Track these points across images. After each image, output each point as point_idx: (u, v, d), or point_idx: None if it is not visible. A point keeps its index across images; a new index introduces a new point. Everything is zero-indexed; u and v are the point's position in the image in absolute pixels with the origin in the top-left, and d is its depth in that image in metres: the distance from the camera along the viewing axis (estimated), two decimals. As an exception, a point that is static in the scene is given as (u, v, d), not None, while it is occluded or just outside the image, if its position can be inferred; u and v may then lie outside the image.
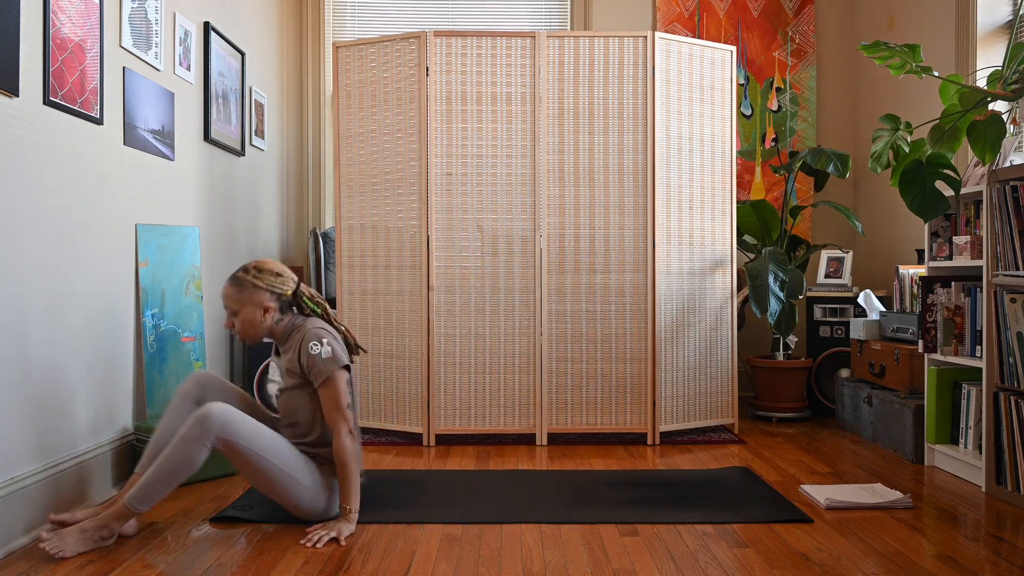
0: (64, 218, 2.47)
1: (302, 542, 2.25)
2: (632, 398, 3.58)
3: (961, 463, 2.98)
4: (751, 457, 3.32)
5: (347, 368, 2.43)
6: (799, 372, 4.09)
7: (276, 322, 2.46)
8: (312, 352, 2.38)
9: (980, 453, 2.92)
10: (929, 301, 3.12)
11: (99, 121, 2.65)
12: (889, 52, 2.88)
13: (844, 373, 4.09)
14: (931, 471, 3.08)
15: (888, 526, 2.41)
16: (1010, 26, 3.58)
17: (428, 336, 3.54)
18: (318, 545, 2.23)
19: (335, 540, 2.27)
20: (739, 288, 4.26)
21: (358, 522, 2.43)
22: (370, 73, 3.67)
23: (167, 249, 3.12)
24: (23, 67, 2.27)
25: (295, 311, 2.53)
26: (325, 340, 2.40)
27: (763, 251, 3.83)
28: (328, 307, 2.57)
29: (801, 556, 2.16)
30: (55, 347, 2.42)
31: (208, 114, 3.56)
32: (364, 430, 3.79)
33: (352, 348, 2.58)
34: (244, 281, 2.43)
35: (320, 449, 2.46)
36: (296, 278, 2.52)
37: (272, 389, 2.51)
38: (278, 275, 2.47)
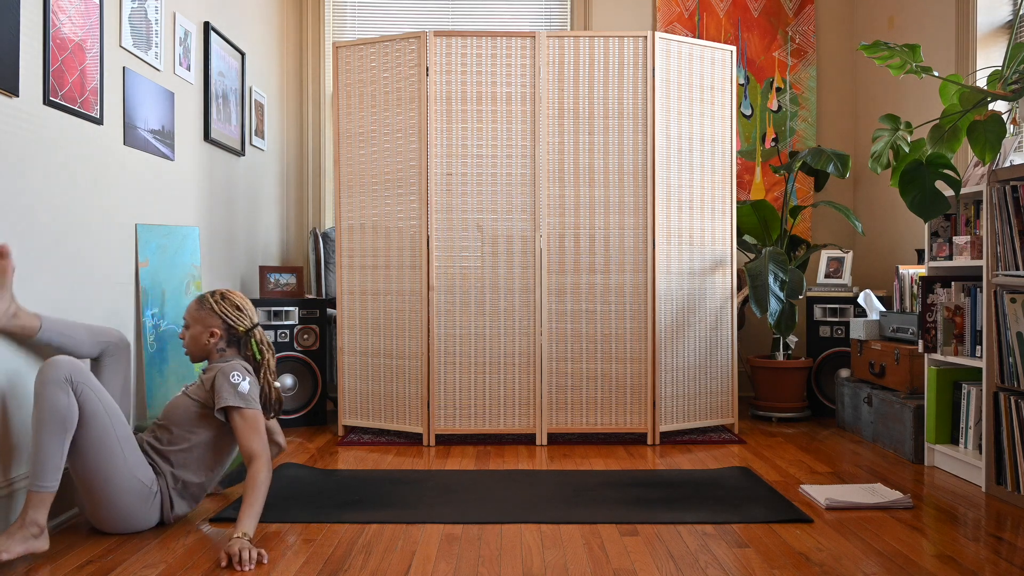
0: (64, 218, 2.47)
1: (223, 565, 2.07)
2: (632, 398, 3.58)
3: (961, 463, 2.98)
4: (751, 457, 3.32)
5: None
6: (799, 372, 4.09)
7: (219, 350, 2.52)
8: (232, 380, 2.38)
9: (980, 453, 2.92)
10: (929, 301, 3.12)
11: (99, 121, 2.65)
12: (889, 52, 2.88)
13: (844, 373, 4.09)
14: (931, 471, 3.08)
15: (888, 526, 2.41)
16: (1010, 26, 3.58)
17: (428, 336, 3.54)
18: (248, 567, 2.06)
19: (232, 560, 2.08)
20: (739, 288, 4.26)
21: (356, 522, 2.44)
22: (370, 73, 3.67)
23: (167, 249, 3.12)
24: (23, 67, 2.27)
25: (240, 349, 2.56)
26: (248, 379, 2.42)
27: (763, 251, 3.83)
28: (272, 361, 2.57)
29: (801, 556, 2.16)
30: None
31: (208, 114, 3.56)
32: (364, 430, 3.80)
33: (269, 407, 2.56)
34: (206, 302, 2.53)
35: (164, 463, 2.36)
36: (256, 321, 2.57)
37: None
38: (238, 308, 2.54)
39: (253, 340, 2.55)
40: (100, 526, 2.30)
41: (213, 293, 2.55)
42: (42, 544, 2.09)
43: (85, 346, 2.41)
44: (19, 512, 2.27)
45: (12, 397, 2.24)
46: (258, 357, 2.54)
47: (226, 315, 2.51)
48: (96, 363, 2.47)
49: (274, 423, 2.74)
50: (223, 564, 2.07)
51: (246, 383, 2.40)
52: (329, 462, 3.22)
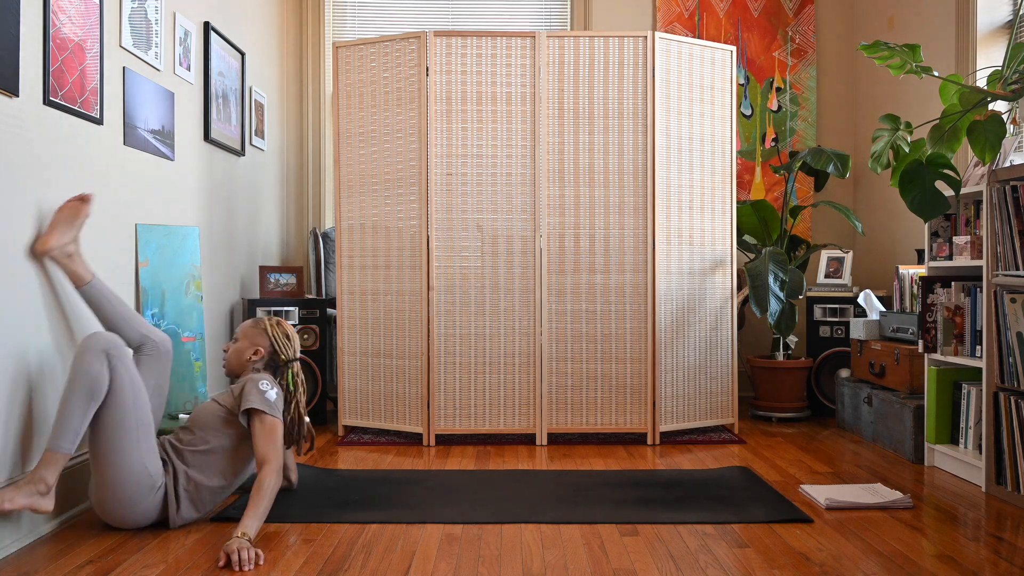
0: (64, 218, 2.47)
1: (220, 564, 2.06)
2: (632, 398, 3.58)
3: (961, 463, 2.98)
4: (751, 457, 3.32)
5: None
6: (799, 372, 4.09)
7: (254, 369, 2.59)
8: (261, 387, 2.43)
9: (980, 453, 2.92)
10: (929, 301, 3.12)
11: (99, 121, 2.65)
12: (889, 52, 2.88)
13: (844, 373, 4.09)
14: (931, 471, 3.08)
15: (888, 526, 2.41)
16: (1010, 26, 3.58)
17: (428, 336, 3.54)
18: (247, 567, 2.06)
19: (230, 560, 2.07)
20: (739, 288, 4.26)
21: (356, 522, 2.44)
22: (370, 73, 3.67)
23: (167, 249, 3.12)
24: (23, 67, 2.27)
25: (275, 375, 2.61)
26: (276, 390, 2.48)
27: (763, 251, 3.83)
28: (303, 397, 2.62)
29: (801, 556, 2.16)
30: (55, 347, 2.42)
31: (208, 114, 3.56)
32: (364, 430, 3.80)
33: (293, 437, 2.58)
34: (261, 322, 2.64)
35: (179, 461, 2.38)
36: (298, 356, 2.64)
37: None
38: (287, 337, 2.65)
39: (291, 371, 2.61)
40: (102, 513, 2.31)
41: (270, 317, 2.67)
42: (46, 504, 2.14)
43: (125, 325, 2.48)
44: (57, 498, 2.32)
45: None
46: (292, 388, 2.59)
47: (276, 339, 2.61)
48: (135, 356, 2.51)
49: (291, 459, 2.75)
50: (221, 564, 2.07)
51: (273, 392, 2.46)
52: (329, 462, 3.22)
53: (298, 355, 2.64)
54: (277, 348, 2.61)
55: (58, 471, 2.16)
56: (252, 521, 2.19)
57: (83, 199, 2.39)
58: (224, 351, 2.64)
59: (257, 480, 2.29)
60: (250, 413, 2.40)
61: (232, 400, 2.47)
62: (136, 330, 2.50)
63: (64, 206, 2.37)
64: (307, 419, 2.64)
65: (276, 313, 3.89)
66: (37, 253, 2.32)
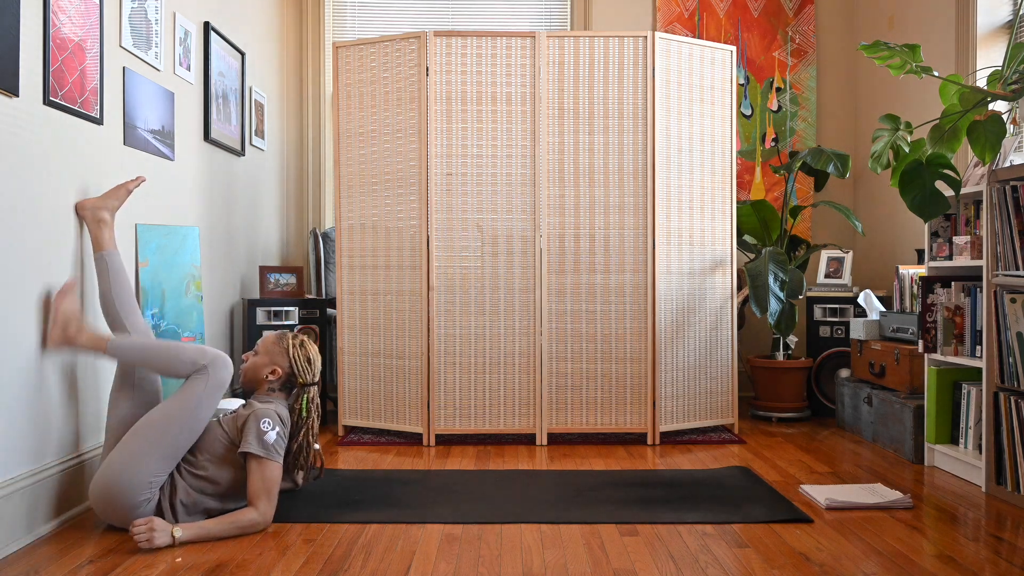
0: (64, 218, 2.47)
1: (132, 530, 2.18)
2: (632, 398, 3.58)
3: (961, 463, 2.98)
4: (751, 457, 3.32)
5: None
6: (799, 372, 4.09)
7: (269, 388, 2.56)
8: (262, 427, 2.37)
9: (980, 453, 2.93)
10: (929, 301, 3.12)
11: (99, 121, 2.65)
12: (889, 52, 2.88)
13: (844, 373, 4.09)
14: (931, 471, 3.08)
15: (888, 526, 2.41)
16: (1010, 26, 3.58)
17: (428, 336, 3.54)
18: (146, 545, 2.15)
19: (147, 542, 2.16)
20: (739, 288, 4.26)
21: (356, 522, 2.44)
22: (370, 73, 3.67)
23: (167, 249, 3.12)
24: (23, 67, 2.27)
25: (288, 397, 2.58)
26: (278, 429, 2.40)
27: (763, 251, 3.83)
28: (316, 423, 2.59)
29: (801, 556, 2.16)
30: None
31: (208, 114, 3.56)
32: (364, 430, 3.80)
33: (298, 466, 2.58)
34: (284, 341, 2.60)
35: (179, 478, 2.36)
36: (317, 382, 2.60)
37: (228, 405, 2.60)
38: (308, 361, 2.59)
39: (306, 397, 2.56)
40: (97, 509, 2.30)
41: (296, 336, 2.61)
42: (64, 347, 2.35)
43: (117, 307, 2.51)
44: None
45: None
46: (304, 415, 2.55)
47: (296, 361, 2.56)
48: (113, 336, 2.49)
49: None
50: (132, 530, 2.18)
51: (274, 432, 2.39)
52: (329, 462, 3.21)
53: (317, 379, 2.59)
54: (296, 371, 2.56)
55: (89, 346, 2.35)
56: (195, 530, 2.23)
57: (135, 180, 2.63)
58: (243, 360, 2.60)
59: (237, 512, 2.30)
60: (246, 455, 2.36)
61: (235, 429, 2.41)
62: (121, 317, 2.50)
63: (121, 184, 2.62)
64: (317, 447, 2.61)
65: (276, 314, 3.89)
66: (75, 208, 2.50)
